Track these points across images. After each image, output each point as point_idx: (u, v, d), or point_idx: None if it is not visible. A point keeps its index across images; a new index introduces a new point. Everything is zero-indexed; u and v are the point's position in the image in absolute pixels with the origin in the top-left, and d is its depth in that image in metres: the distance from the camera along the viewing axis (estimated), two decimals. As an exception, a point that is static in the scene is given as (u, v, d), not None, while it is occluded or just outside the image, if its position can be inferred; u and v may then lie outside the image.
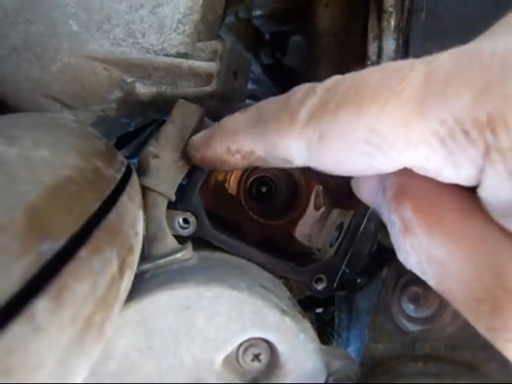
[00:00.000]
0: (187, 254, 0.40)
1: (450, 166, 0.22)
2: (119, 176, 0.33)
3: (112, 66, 0.45)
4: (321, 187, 0.52)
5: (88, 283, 0.25)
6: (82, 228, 0.25)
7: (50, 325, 0.22)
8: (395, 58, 0.60)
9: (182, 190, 0.43)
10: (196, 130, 0.43)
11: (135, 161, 0.44)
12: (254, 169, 0.52)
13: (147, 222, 0.40)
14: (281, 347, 0.37)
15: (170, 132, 0.42)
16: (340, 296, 0.64)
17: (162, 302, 0.35)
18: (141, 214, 0.36)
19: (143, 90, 0.46)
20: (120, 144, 0.62)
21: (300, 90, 0.28)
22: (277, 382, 0.38)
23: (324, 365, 0.38)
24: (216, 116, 0.45)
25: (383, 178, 0.27)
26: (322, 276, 0.46)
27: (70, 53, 0.44)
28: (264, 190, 0.53)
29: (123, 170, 0.35)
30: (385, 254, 0.53)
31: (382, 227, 0.58)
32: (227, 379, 0.38)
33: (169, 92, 0.46)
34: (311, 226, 0.51)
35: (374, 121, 0.23)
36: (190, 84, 0.45)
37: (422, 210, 0.24)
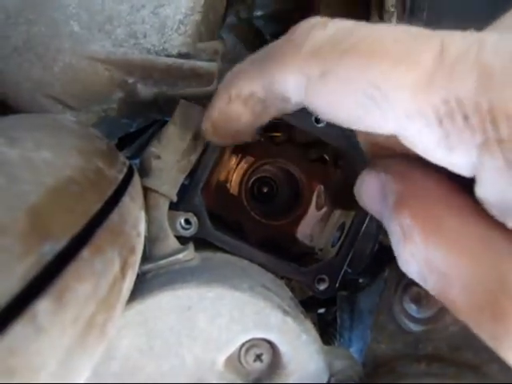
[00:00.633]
0: (189, 254, 0.40)
1: (443, 149, 0.21)
2: (121, 177, 0.33)
3: (113, 67, 0.45)
4: (322, 187, 0.52)
5: (90, 284, 0.25)
6: (83, 228, 0.25)
7: (51, 325, 0.22)
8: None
9: (183, 191, 0.43)
10: (198, 131, 0.43)
11: (137, 161, 0.44)
12: (256, 169, 0.52)
13: (149, 222, 0.40)
14: (283, 348, 0.37)
15: (172, 133, 0.42)
16: (342, 296, 0.63)
17: (164, 302, 0.35)
18: (143, 214, 0.36)
19: (144, 90, 0.46)
20: (121, 145, 0.62)
21: (307, 23, 0.26)
22: (279, 382, 0.38)
23: (326, 365, 0.38)
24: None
25: (384, 185, 0.27)
26: (323, 276, 0.46)
27: (71, 53, 0.44)
28: (265, 190, 0.53)
29: (125, 170, 0.35)
30: (387, 254, 0.53)
31: (383, 227, 0.58)
32: (229, 380, 0.38)
33: (170, 92, 0.46)
34: (313, 226, 0.51)
35: (381, 76, 0.22)
36: (191, 84, 0.45)
37: (420, 217, 0.24)
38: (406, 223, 0.24)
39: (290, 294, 0.44)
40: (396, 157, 0.26)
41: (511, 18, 0.23)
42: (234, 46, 0.50)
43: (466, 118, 0.20)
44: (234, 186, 0.52)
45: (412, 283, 0.50)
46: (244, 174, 0.51)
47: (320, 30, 0.25)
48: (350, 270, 0.48)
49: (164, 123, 0.44)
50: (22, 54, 0.45)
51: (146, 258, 0.39)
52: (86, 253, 0.25)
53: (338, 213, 0.51)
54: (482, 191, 0.22)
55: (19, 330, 0.20)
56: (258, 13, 0.76)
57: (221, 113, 0.33)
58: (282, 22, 0.79)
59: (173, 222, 0.43)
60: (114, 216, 0.29)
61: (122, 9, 0.44)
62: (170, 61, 0.44)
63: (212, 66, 0.44)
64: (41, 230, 0.22)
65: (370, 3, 0.61)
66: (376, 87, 0.22)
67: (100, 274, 0.26)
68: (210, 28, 0.47)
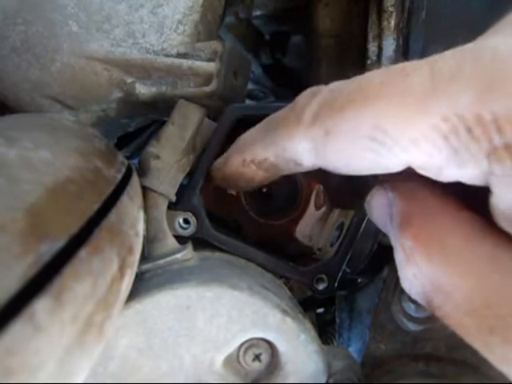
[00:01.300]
0: (187, 254, 0.40)
1: (454, 165, 0.22)
2: (119, 176, 0.33)
3: (112, 67, 0.45)
4: (321, 186, 0.51)
5: (88, 283, 0.25)
6: (82, 228, 0.25)
7: (50, 325, 0.22)
8: (395, 58, 0.60)
9: (182, 191, 0.43)
10: (197, 131, 0.43)
11: (136, 161, 0.44)
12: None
13: (147, 222, 0.40)
14: (282, 347, 0.37)
15: (171, 132, 0.42)
16: (341, 296, 0.63)
17: (163, 302, 0.35)
18: (141, 214, 0.36)
19: (143, 90, 0.46)
20: (120, 144, 0.62)
21: (306, 92, 0.28)
22: (278, 382, 0.38)
23: (325, 365, 0.38)
24: (216, 116, 0.45)
25: (391, 204, 0.27)
26: (322, 276, 0.46)
27: (69, 53, 0.44)
28: (264, 189, 0.53)
29: (123, 170, 0.35)
30: (385, 254, 0.53)
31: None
32: (228, 380, 0.38)
33: (169, 92, 0.46)
34: (312, 225, 0.51)
35: (378, 117, 0.23)
36: (190, 84, 0.45)
37: (423, 238, 0.24)
38: (407, 245, 0.24)
39: (289, 293, 0.44)
40: (404, 175, 0.26)
41: (505, 25, 0.23)
42: (232, 45, 0.50)
43: (469, 130, 0.20)
44: (232, 185, 0.52)
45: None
46: (243, 174, 0.51)
47: (316, 96, 0.27)
48: (348, 270, 0.48)
49: (163, 123, 0.44)
50: (20, 54, 0.45)
51: (144, 257, 0.40)
52: (84, 252, 0.25)
53: (336, 212, 0.51)
54: (495, 200, 0.21)
55: (17, 329, 0.20)
56: (257, 12, 0.76)
57: (235, 173, 0.35)
58: (281, 21, 0.79)
59: (171, 221, 0.43)
60: (113, 216, 0.29)
61: (120, 8, 0.44)
62: (168, 60, 0.45)
63: (210, 66, 0.44)
64: (39, 230, 0.22)
65: (369, 3, 0.61)
66: (377, 128, 0.23)
67: (98, 274, 0.26)
68: (208, 28, 0.47)
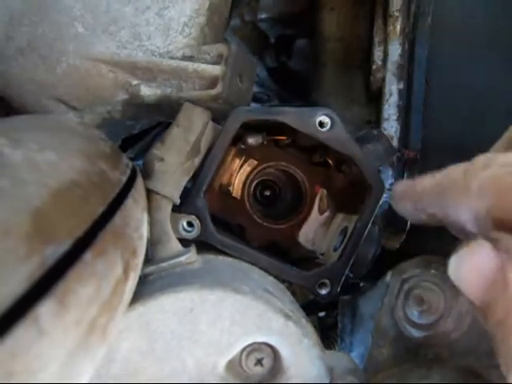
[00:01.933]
0: (191, 257, 0.40)
1: None
2: (124, 179, 0.33)
3: (117, 69, 0.45)
4: (325, 191, 0.51)
5: (92, 286, 0.25)
6: (86, 231, 0.25)
7: (53, 328, 0.22)
8: (401, 63, 0.60)
9: (186, 193, 0.43)
10: (202, 134, 0.43)
11: (140, 163, 0.44)
12: (259, 172, 0.52)
13: (151, 224, 0.40)
14: (284, 352, 0.37)
15: (176, 135, 0.42)
16: (343, 300, 0.63)
17: (166, 304, 0.35)
18: (145, 216, 0.36)
19: (148, 92, 0.46)
20: (125, 146, 0.62)
21: (479, 159, 0.28)
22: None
23: (327, 370, 0.38)
24: (221, 119, 0.45)
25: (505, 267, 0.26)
26: (325, 280, 0.46)
27: (75, 55, 0.44)
28: (268, 193, 0.53)
29: (128, 172, 0.35)
30: (389, 259, 0.53)
31: (385, 231, 0.58)
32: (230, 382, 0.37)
33: (174, 95, 0.46)
34: (315, 229, 0.51)
35: None
36: (195, 87, 0.45)
37: None
38: None
39: (292, 297, 0.44)
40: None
41: None
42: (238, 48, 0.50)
43: None
44: (236, 188, 0.52)
45: (414, 288, 0.50)
46: (247, 177, 0.51)
47: (486, 168, 0.27)
48: (351, 275, 0.48)
49: (168, 125, 0.44)
50: (26, 55, 0.45)
51: (148, 260, 0.39)
52: (88, 255, 0.25)
53: (340, 217, 0.50)
54: None
55: (21, 332, 0.20)
56: (263, 15, 0.76)
57: (408, 211, 0.35)
58: (286, 24, 0.79)
59: (175, 224, 0.43)
60: (117, 218, 0.29)
61: (126, 10, 0.44)
62: (174, 63, 0.44)
63: (216, 69, 0.44)
64: (44, 233, 0.22)
65: (375, 8, 0.61)
66: None
67: (102, 277, 0.26)
68: (214, 30, 0.47)
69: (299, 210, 0.51)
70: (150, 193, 0.40)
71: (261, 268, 0.45)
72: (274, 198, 0.53)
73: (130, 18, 0.44)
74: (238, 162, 0.51)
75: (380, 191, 0.45)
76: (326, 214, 0.51)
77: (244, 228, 0.51)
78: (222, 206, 0.50)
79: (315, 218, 0.51)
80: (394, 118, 0.62)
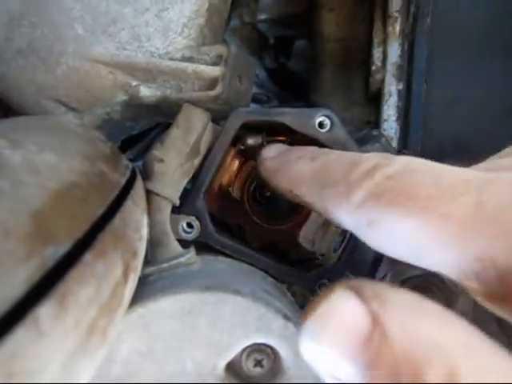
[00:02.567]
0: (191, 258, 0.40)
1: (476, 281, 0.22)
2: (124, 180, 0.33)
3: (117, 70, 0.45)
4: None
5: (92, 288, 0.25)
6: (86, 233, 0.25)
7: (53, 329, 0.22)
8: (400, 63, 0.60)
9: (186, 194, 0.43)
10: (201, 135, 0.43)
11: (139, 163, 0.44)
12: (258, 172, 0.52)
13: (151, 226, 0.40)
14: (284, 353, 0.37)
15: (175, 136, 0.42)
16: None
17: (166, 306, 0.35)
18: (145, 218, 0.36)
19: (148, 93, 0.46)
20: (124, 147, 0.62)
21: (365, 163, 0.27)
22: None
23: (327, 371, 0.38)
24: (221, 120, 0.45)
25: None
26: (325, 281, 0.46)
27: (74, 56, 0.44)
28: (268, 194, 0.53)
29: (128, 173, 0.35)
30: (388, 260, 0.53)
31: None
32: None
33: (173, 96, 0.46)
34: (315, 230, 0.51)
35: (416, 231, 0.23)
36: (194, 88, 0.45)
37: None
38: None
39: (292, 298, 0.44)
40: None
41: None
42: (237, 49, 0.50)
43: (501, 277, 0.20)
44: (236, 189, 0.51)
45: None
46: (246, 178, 0.51)
47: (370, 177, 0.26)
48: (351, 276, 0.48)
49: (167, 126, 0.44)
50: (26, 56, 0.45)
51: (147, 261, 0.39)
52: (88, 257, 0.25)
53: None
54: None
55: (21, 333, 0.20)
56: (262, 16, 0.76)
57: (284, 192, 0.34)
58: (286, 25, 0.79)
59: (175, 225, 0.43)
60: (117, 220, 0.29)
61: (126, 12, 0.44)
62: (173, 64, 0.44)
63: (215, 70, 0.44)
64: (44, 234, 0.22)
65: (374, 8, 0.61)
66: (413, 239, 0.23)
67: (102, 278, 0.26)
68: (214, 31, 0.47)
69: (299, 211, 0.51)
70: (149, 194, 0.40)
71: (260, 269, 0.45)
72: (273, 199, 0.53)
73: (129, 20, 0.44)
74: (237, 162, 0.51)
75: None
76: (326, 214, 0.51)
77: (244, 229, 0.51)
78: (221, 206, 0.50)
79: (315, 219, 0.51)
80: (394, 118, 0.62)
